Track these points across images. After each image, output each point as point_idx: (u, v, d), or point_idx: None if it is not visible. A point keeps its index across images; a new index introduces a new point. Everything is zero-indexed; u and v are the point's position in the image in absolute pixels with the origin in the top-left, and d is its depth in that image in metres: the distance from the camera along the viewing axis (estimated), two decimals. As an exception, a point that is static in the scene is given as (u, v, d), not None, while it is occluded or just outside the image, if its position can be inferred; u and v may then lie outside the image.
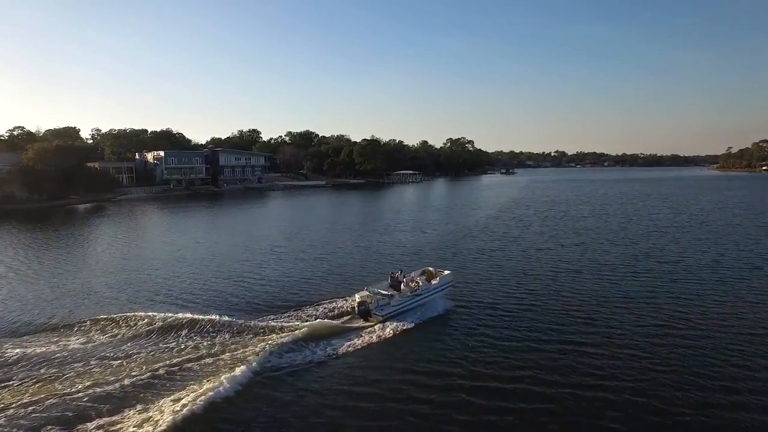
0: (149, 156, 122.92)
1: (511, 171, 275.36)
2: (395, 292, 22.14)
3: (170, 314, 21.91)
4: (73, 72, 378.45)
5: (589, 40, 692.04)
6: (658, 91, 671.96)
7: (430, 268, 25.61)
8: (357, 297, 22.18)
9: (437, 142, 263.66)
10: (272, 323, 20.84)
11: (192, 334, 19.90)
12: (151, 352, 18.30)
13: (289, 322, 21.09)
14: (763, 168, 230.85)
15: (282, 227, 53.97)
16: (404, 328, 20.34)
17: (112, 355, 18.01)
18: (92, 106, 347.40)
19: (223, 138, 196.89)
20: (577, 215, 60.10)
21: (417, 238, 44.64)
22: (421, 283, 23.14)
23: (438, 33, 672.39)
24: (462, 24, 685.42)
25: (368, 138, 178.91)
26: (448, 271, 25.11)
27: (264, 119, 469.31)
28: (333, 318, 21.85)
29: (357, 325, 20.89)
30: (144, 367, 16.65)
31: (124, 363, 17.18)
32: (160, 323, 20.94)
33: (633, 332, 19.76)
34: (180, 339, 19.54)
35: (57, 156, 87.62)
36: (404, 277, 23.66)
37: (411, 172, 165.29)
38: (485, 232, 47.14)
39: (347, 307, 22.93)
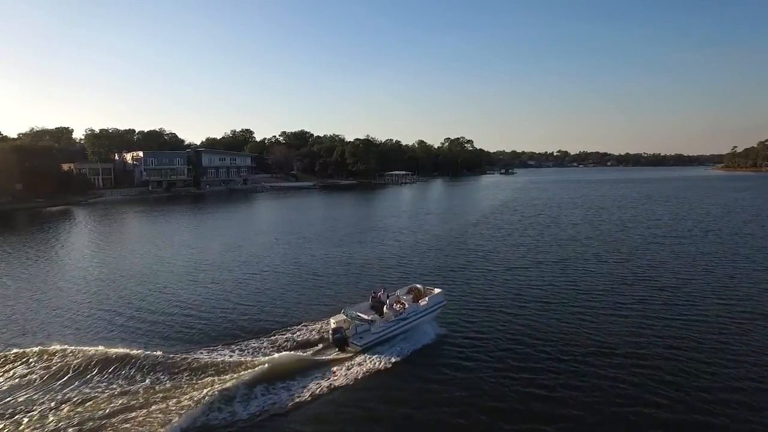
0: (128, 157, 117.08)
1: (510, 171, 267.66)
2: (377, 315, 19.02)
3: (93, 348, 17.53)
4: (74, 71, 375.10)
5: (592, 39, 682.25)
6: (662, 90, 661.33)
7: (418, 286, 22.08)
8: (332, 322, 18.72)
9: (440, 142, 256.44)
10: (225, 358, 16.90)
11: (119, 375, 15.78)
12: (62, 399, 14.26)
13: (246, 355, 17.24)
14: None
15: (252, 235, 47.48)
16: (388, 361, 16.89)
17: (11, 402, 14.27)
18: (94, 106, 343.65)
19: (218, 138, 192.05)
20: (566, 222, 53.18)
21: (381, 248, 37.99)
22: (407, 305, 19.68)
23: (440, 32, 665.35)
24: (463, 23, 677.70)
25: (361, 138, 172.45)
26: (439, 290, 21.27)
27: (265, 119, 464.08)
28: (302, 349, 18.05)
29: (331, 356, 17.33)
30: (51, 422, 12.94)
31: (27, 415, 13.45)
32: (79, 359, 16.62)
33: (605, 415, 13.10)
34: (102, 381, 15.40)
35: (17, 156, 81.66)
36: (388, 296, 20.30)
37: (404, 172, 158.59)
38: (454, 244, 40.38)
39: (320, 333, 19.14)
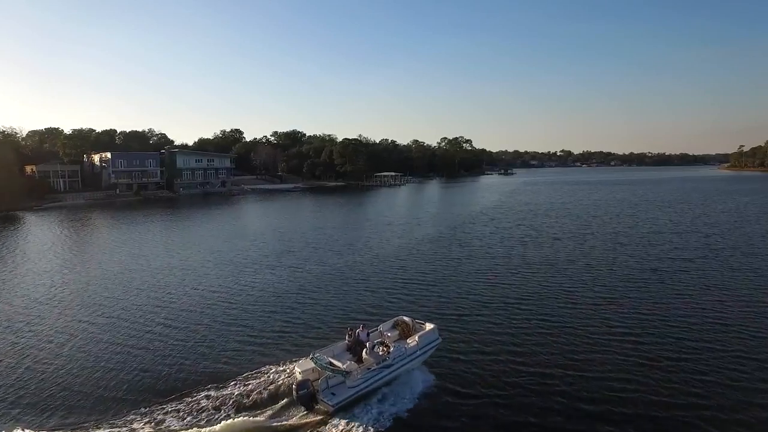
0: (96, 158, 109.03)
1: (509, 172, 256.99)
2: (354, 362, 14.35)
3: None
4: (74, 70, 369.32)
5: (596, 38, 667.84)
6: (667, 89, 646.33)
7: (406, 318, 17.56)
8: (297, 371, 14.37)
9: (436, 142, 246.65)
10: (150, 429, 12.35)
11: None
12: None
13: (179, 424, 12.73)
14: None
15: (198, 252, 39.17)
16: (369, 426, 12.41)
17: None
18: (90, 105, 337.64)
19: (210, 138, 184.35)
20: (546, 237, 43.83)
21: (301, 274, 29.18)
22: (392, 347, 15.21)
23: (442, 31, 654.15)
24: (466, 22, 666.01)
25: (352, 138, 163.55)
26: (432, 325, 16.86)
27: (264, 119, 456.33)
28: (255, 410, 13.37)
29: (295, 420, 12.90)
30: None
31: None
32: None
33: None
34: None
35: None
36: (368, 333, 16.06)
37: (394, 174, 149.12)
38: (387, 268, 31.31)
39: (279, 387, 14.35)
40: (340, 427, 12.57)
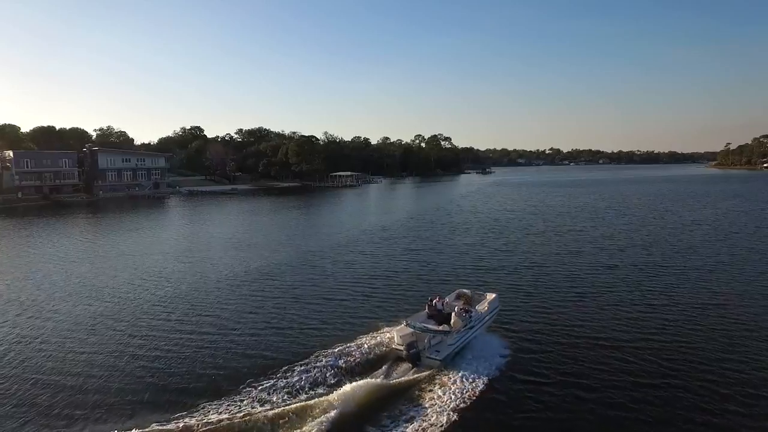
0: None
1: (487, 171, 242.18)
2: (446, 325, 15.75)
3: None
4: (64, 69, 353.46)
5: (585, 36, 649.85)
6: (656, 88, 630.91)
7: (466, 291, 18.99)
8: (396, 336, 15.52)
9: (409, 139, 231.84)
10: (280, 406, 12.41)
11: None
12: None
13: (298, 391, 13.22)
14: (765, 165, 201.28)
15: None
16: (479, 375, 14.04)
17: None
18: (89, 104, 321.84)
19: (173, 137, 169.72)
20: (420, 278, 29.17)
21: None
22: (472, 311, 16.69)
23: (432, 29, 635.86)
24: (456, 19, 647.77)
25: (308, 135, 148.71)
26: (494, 294, 18.54)
27: (258, 118, 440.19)
28: (368, 372, 14.30)
29: (409, 377, 14.02)
30: None
31: None
32: None
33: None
34: None
35: None
36: (443, 303, 17.02)
37: (350, 174, 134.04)
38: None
39: (384, 350, 15.59)
40: (452, 377, 13.84)
